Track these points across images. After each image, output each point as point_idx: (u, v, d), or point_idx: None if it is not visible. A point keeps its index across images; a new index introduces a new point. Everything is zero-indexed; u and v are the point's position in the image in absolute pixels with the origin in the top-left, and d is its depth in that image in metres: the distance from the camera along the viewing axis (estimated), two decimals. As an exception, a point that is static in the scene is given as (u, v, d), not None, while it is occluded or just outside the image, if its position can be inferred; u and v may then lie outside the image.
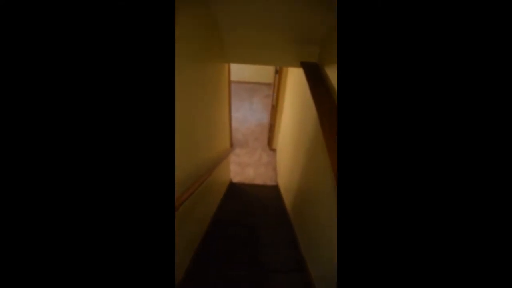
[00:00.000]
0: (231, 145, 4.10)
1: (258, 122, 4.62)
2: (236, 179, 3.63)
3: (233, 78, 5.58)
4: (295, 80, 2.59)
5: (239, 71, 5.39)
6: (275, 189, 3.32)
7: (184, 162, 1.28)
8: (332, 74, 1.57)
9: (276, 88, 3.29)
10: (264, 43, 1.88)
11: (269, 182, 3.60)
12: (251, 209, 2.69)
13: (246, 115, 4.77)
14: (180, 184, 1.24)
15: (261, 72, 5.38)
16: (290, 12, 1.57)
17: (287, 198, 2.67)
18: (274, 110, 3.55)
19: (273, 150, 4.11)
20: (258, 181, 3.61)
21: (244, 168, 3.81)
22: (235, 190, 3.14)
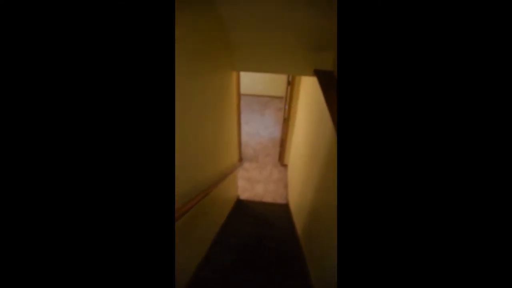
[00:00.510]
0: (240, 159, 3.93)
1: (270, 136, 4.45)
2: (244, 195, 3.42)
3: (245, 91, 5.56)
4: (308, 90, 2.41)
5: (251, 84, 5.31)
6: (285, 208, 3.07)
7: (181, 176, 1.11)
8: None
9: (288, 100, 3.13)
10: (275, 50, 1.73)
11: (279, 199, 3.36)
12: (257, 231, 2.46)
13: (257, 128, 4.62)
14: (177, 199, 1.07)
15: (273, 85, 5.27)
16: (302, 16, 1.41)
17: (298, 220, 2.43)
18: (286, 123, 3.37)
19: (285, 165, 3.89)
20: (268, 198, 3.39)
21: (253, 184, 3.60)
22: (242, 209, 2.93)
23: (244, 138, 4.38)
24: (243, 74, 5.05)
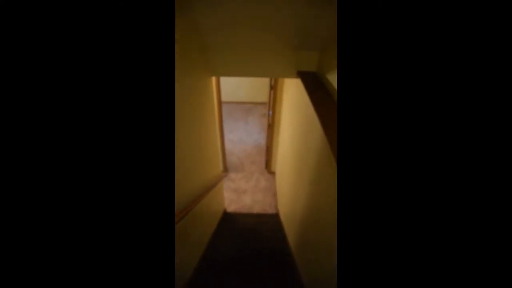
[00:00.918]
0: (225, 169, 3.76)
1: (255, 144, 4.32)
2: (231, 207, 3.24)
3: (227, 98, 5.44)
4: (292, 94, 2.32)
5: (232, 91, 5.20)
6: (275, 219, 2.93)
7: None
8: (334, 82, 1.29)
9: (272, 105, 3.03)
10: (255, 52, 1.62)
11: (269, 209, 3.22)
12: (246, 249, 2.29)
13: (241, 136, 4.48)
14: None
15: (256, 91, 5.19)
16: (283, 15, 1.30)
17: (290, 229, 2.29)
18: (271, 130, 3.26)
19: (272, 173, 3.77)
20: (257, 209, 3.23)
21: (240, 195, 3.44)
22: (229, 222, 2.75)
23: (228, 146, 4.23)
24: (223, 81, 4.94)
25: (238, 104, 5.36)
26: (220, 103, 3.05)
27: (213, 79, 2.82)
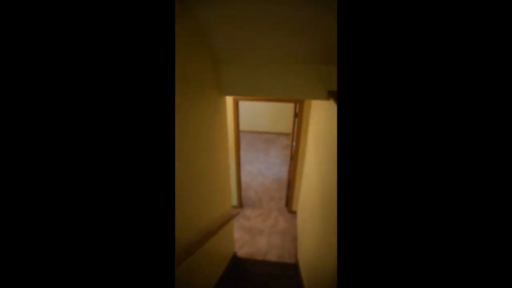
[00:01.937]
0: (240, 205, 3.36)
1: (275, 177, 3.92)
2: (243, 250, 2.78)
3: (247, 127, 5.23)
4: (320, 119, 1.96)
5: (253, 120, 4.99)
6: (294, 271, 2.41)
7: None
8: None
9: (296, 135, 2.69)
10: (274, 66, 1.34)
11: (287, 257, 2.70)
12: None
13: (260, 168, 4.12)
14: None
15: (278, 120, 4.92)
16: (309, 17, 1.01)
17: (312, 293, 1.78)
18: (294, 162, 2.88)
19: (293, 212, 3.29)
20: (273, 255, 2.73)
21: (254, 236, 2.98)
22: (238, 270, 2.29)
23: (246, 179, 3.87)
24: (244, 109, 4.76)
25: (259, 134, 5.09)
26: (237, 129, 2.77)
27: (229, 102, 2.58)
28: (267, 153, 4.50)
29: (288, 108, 4.73)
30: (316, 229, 1.82)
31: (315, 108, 2.19)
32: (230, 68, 1.38)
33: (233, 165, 3.01)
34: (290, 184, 3.08)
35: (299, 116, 2.53)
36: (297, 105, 2.52)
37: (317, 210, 1.85)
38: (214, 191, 1.62)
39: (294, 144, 2.78)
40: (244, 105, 4.84)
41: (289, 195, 3.18)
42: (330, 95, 1.32)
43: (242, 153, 4.50)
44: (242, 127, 5.10)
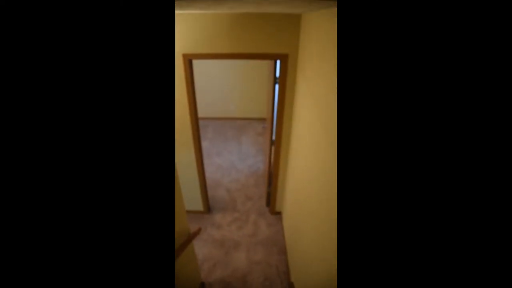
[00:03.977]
0: (207, 210, 2.56)
1: (251, 171, 3.16)
2: (214, 275, 2.00)
3: (213, 114, 4.35)
4: (316, 66, 1.21)
5: (220, 105, 4.16)
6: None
7: None
8: None
9: (278, 111, 1.93)
10: None
11: (276, 278, 1.98)
12: None
13: (232, 161, 3.33)
14: None
15: (250, 104, 4.15)
16: None
17: None
18: (277, 149, 2.13)
19: (277, 214, 2.57)
20: (255, 277, 1.99)
21: (229, 251, 2.20)
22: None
23: (214, 175, 3.06)
24: (206, 92, 3.86)
25: (229, 121, 4.28)
26: (194, 101, 1.93)
27: (177, 62, 1.73)
28: (239, 142, 3.72)
29: (261, 88, 3.97)
30: (319, 233, 1.09)
31: (303, 64, 1.43)
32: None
33: (192, 158, 2.18)
34: (272, 178, 2.34)
35: (281, 81, 1.77)
36: (275, 62, 1.74)
37: (317, 203, 1.11)
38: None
39: (274, 121, 2.02)
40: (207, 86, 3.97)
41: (271, 192, 2.44)
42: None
43: (208, 143, 3.66)
44: (207, 113, 4.24)
